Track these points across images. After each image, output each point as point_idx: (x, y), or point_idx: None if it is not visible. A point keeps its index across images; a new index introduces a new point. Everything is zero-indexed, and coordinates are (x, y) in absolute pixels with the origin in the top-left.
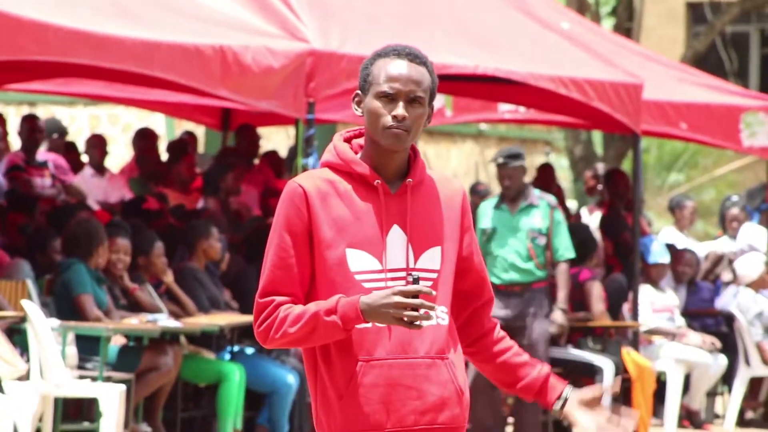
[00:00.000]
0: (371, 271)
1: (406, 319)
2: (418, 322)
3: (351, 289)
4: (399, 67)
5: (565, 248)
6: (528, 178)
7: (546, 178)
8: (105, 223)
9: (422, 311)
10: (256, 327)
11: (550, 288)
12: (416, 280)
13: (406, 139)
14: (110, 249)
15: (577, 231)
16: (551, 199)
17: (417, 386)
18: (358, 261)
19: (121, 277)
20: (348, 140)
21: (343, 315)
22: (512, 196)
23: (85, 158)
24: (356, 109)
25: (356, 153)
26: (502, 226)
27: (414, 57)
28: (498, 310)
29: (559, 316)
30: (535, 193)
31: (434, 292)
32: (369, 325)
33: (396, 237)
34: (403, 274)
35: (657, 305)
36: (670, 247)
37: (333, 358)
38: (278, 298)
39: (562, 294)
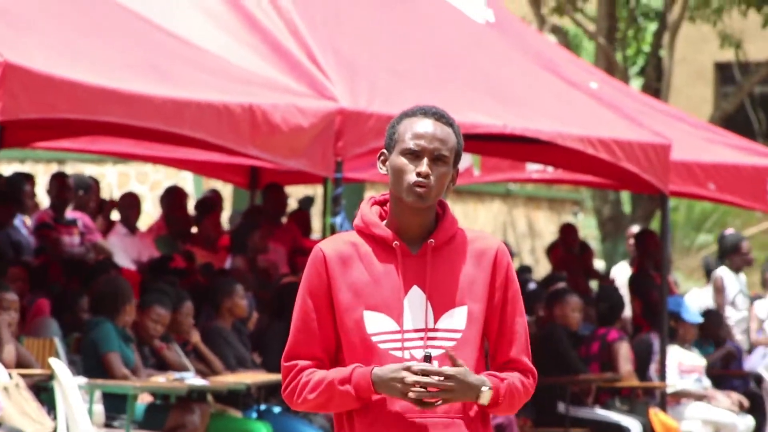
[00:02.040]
0: (388, 332)
1: (412, 395)
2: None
3: (369, 351)
4: (425, 125)
5: None
6: (553, 236)
7: (568, 238)
8: (147, 287)
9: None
10: (282, 390)
11: None
12: (428, 358)
13: (429, 197)
14: (149, 316)
15: (606, 292)
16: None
17: None
18: (375, 323)
19: (151, 337)
20: (380, 203)
21: (356, 385)
22: None
23: (115, 216)
24: (381, 168)
25: (386, 215)
26: None
27: (440, 117)
28: None
29: None
30: None
31: (446, 372)
32: None
33: (415, 298)
34: (421, 335)
35: (685, 365)
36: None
37: (353, 415)
38: (301, 362)
39: None
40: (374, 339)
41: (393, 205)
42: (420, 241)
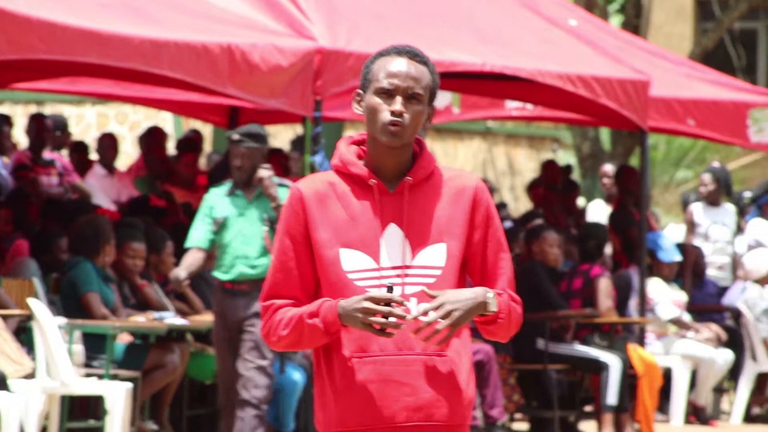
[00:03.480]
0: (365, 270)
1: (374, 325)
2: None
3: (345, 289)
4: (398, 64)
5: None
6: (533, 174)
7: (551, 175)
8: (119, 224)
9: (391, 319)
10: (260, 330)
11: None
12: (390, 288)
13: (404, 135)
14: (125, 253)
15: (591, 229)
16: (291, 185)
17: (410, 382)
18: (352, 260)
19: (133, 275)
20: (358, 142)
21: (323, 318)
22: (244, 180)
23: (94, 157)
24: (356, 108)
25: (364, 155)
26: (237, 215)
27: (414, 55)
28: (226, 317)
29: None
30: (275, 179)
31: (405, 302)
32: None
33: (393, 235)
34: (398, 272)
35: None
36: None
37: (331, 355)
38: (278, 302)
39: None
40: (351, 276)
41: (370, 145)
42: (397, 179)
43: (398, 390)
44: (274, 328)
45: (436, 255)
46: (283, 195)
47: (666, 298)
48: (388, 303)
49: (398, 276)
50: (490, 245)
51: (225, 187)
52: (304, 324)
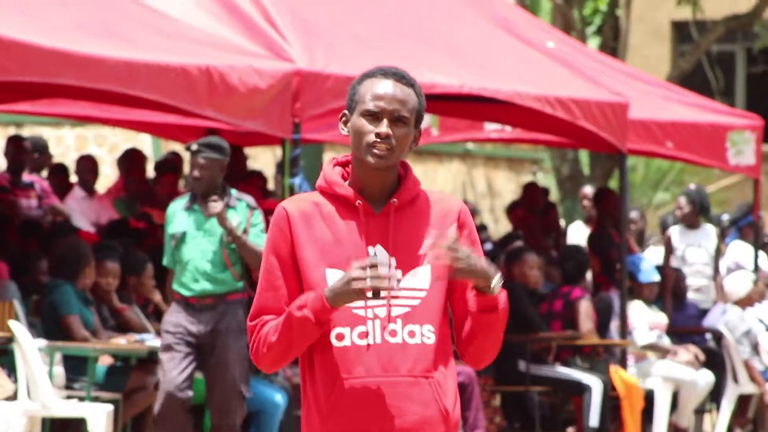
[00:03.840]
0: None
1: (368, 292)
2: (382, 293)
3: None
4: (385, 86)
5: None
6: (512, 196)
7: (532, 197)
8: (94, 245)
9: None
10: (250, 350)
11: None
12: (374, 253)
13: (390, 157)
14: (99, 272)
15: (571, 252)
16: (250, 200)
17: (397, 404)
18: None
19: (110, 297)
20: (342, 164)
21: (312, 306)
22: (203, 193)
23: (74, 179)
24: (342, 129)
25: (348, 176)
26: (195, 229)
27: (401, 77)
28: (189, 325)
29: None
30: (233, 194)
31: (393, 260)
32: (348, 343)
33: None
34: (384, 293)
35: (648, 323)
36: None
37: (317, 376)
38: (266, 317)
39: None
40: None
41: (355, 166)
42: (382, 201)
43: (385, 412)
44: (262, 340)
45: (422, 277)
46: (242, 208)
47: (643, 322)
48: (374, 267)
49: (384, 297)
50: None
51: (183, 200)
52: (292, 319)
